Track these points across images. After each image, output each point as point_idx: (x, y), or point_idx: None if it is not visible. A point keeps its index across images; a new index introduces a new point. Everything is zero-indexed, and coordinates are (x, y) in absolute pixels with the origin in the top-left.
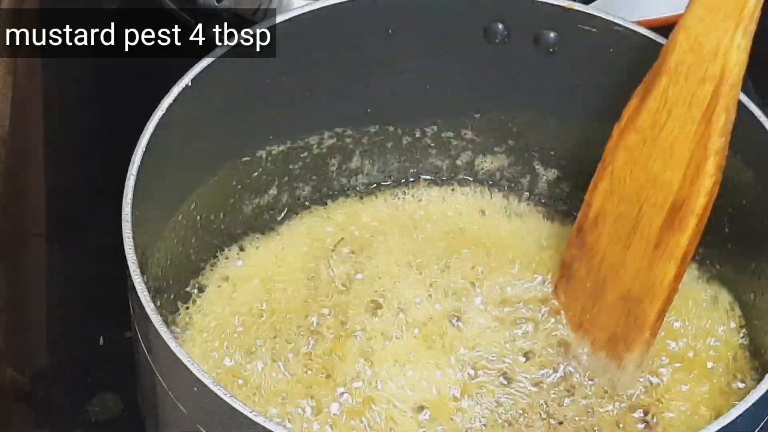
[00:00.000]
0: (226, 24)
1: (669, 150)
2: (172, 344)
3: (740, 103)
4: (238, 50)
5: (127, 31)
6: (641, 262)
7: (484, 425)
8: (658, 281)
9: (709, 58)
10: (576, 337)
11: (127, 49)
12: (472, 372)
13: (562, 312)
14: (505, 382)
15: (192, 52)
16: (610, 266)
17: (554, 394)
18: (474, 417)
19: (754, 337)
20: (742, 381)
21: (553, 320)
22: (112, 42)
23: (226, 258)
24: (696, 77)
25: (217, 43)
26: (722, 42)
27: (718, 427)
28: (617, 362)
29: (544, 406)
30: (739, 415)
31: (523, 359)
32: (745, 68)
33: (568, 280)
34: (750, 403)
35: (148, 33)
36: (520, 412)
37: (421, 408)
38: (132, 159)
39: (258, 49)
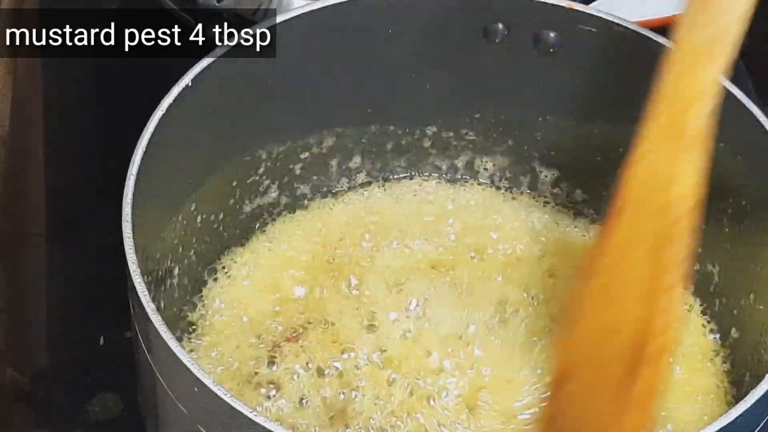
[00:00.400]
0: (226, 24)
1: (624, 292)
2: (173, 344)
3: (740, 103)
4: (238, 50)
5: (127, 31)
6: (610, 415)
7: None
8: (633, 426)
9: (660, 187)
10: None
11: (127, 49)
12: None
13: None
14: None
15: (192, 52)
16: (584, 422)
17: None
18: None
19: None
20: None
21: None
22: (112, 42)
23: (226, 258)
24: (651, 210)
25: (217, 43)
26: (670, 169)
27: (718, 427)
28: None
29: None
30: (739, 415)
31: None
32: (695, 199)
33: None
34: (750, 403)
35: (148, 33)
36: None
37: None
38: (132, 159)
39: (258, 49)
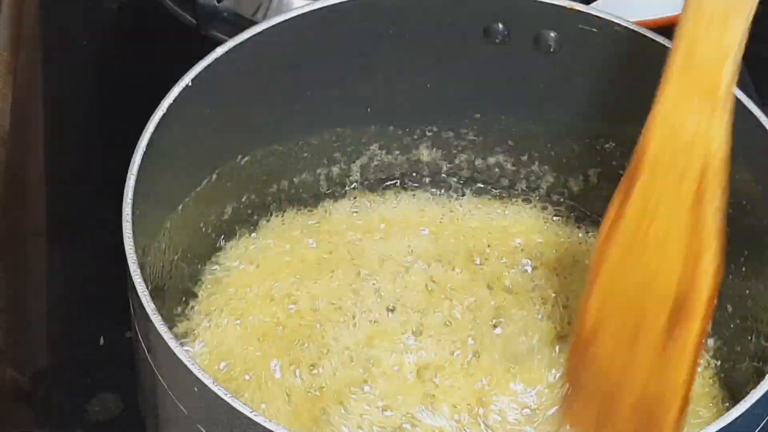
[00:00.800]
0: (226, 24)
1: (661, 248)
2: (173, 344)
3: (740, 103)
4: (238, 50)
5: (127, 31)
6: (651, 366)
7: None
8: (672, 382)
9: (688, 145)
10: None
11: (127, 49)
12: None
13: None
14: None
15: (192, 52)
16: (619, 375)
17: None
18: None
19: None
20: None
21: None
22: (112, 42)
23: (227, 257)
24: (677, 170)
25: (218, 43)
26: (700, 127)
27: (718, 427)
28: None
29: None
30: (739, 415)
31: None
32: (727, 150)
33: (576, 394)
34: (750, 403)
35: (148, 33)
36: None
37: None
38: (132, 159)
39: (258, 49)
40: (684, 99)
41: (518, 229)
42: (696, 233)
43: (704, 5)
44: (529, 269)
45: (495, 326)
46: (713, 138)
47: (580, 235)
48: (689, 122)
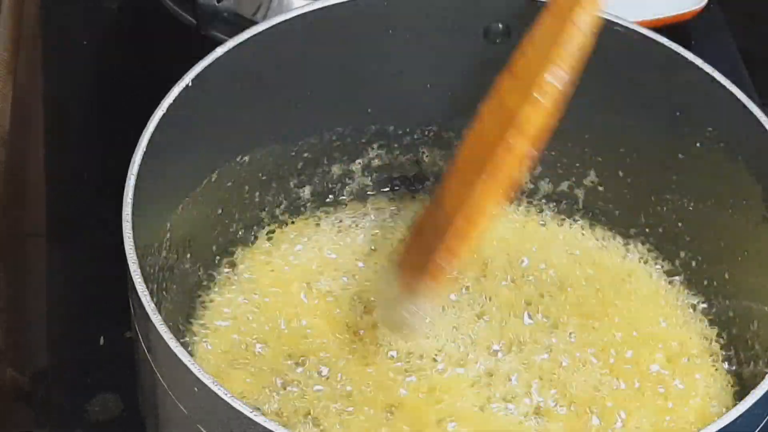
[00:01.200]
0: (226, 24)
1: (522, 79)
2: (173, 344)
3: (740, 103)
4: (238, 50)
5: (128, 31)
6: (469, 187)
7: None
8: (478, 203)
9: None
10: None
11: (127, 49)
12: None
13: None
14: None
15: (192, 52)
16: (446, 198)
17: None
18: None
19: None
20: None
21: None
22: (112, 42)
23: (227, 258)
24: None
25: (218, 43)
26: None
27: (718, 428)
28: (434, 276)
29: None
30: (739, 416)
31: None
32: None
33: (414, 241)
34: (750, 403)
35: (148, 33)
36: None
37: None
38: (132, 159)
39: (258, 49)
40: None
41: (518, 229)
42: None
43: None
44: (531, 270)
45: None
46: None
47: (580, 232)
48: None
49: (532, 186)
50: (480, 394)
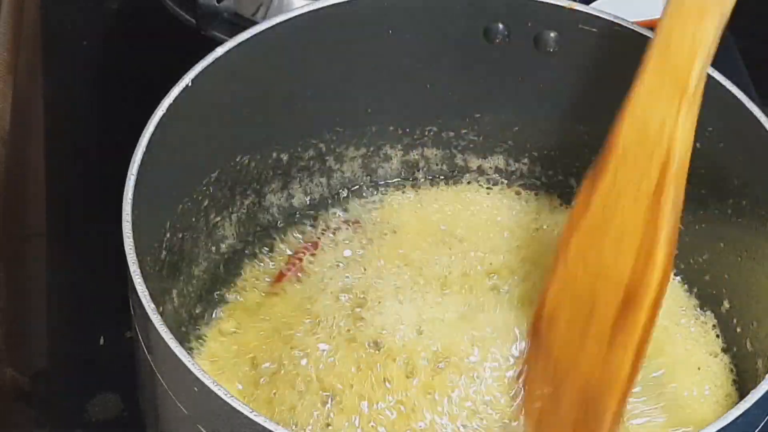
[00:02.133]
0: (226, 24)
1: (620, 236)
2: (173, 344)
3: (740, 104)
4: (238, 50)
5: (128, 31)
6: (597, 357)
7: None
8: (614, 375)
9: (654, 138)
10: None
11: (127, 49)
12: None
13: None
14: None
15: (192, 52)
16: (567, 363)
17: None
18: None
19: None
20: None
21: None
22: (112, 42)
23: (227, 257)
24: (643, 158)
25: (218, 42)
26: (667, 121)
27: (718, 427)
28: None
29: None
30: (740, 415)
31: None
32: (690, 148)
33: (529, 376)
34: (750, 403)
35: (148, 33)
36: None
37: None
38: (132, 159)
39: (258, 49)
40: (655, 93)
41: (518, 229)
42: (651, 227)
43: (683, 1)
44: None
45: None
46: (677, 135)
47: None
48: (657, 117)
49: (531, 183)
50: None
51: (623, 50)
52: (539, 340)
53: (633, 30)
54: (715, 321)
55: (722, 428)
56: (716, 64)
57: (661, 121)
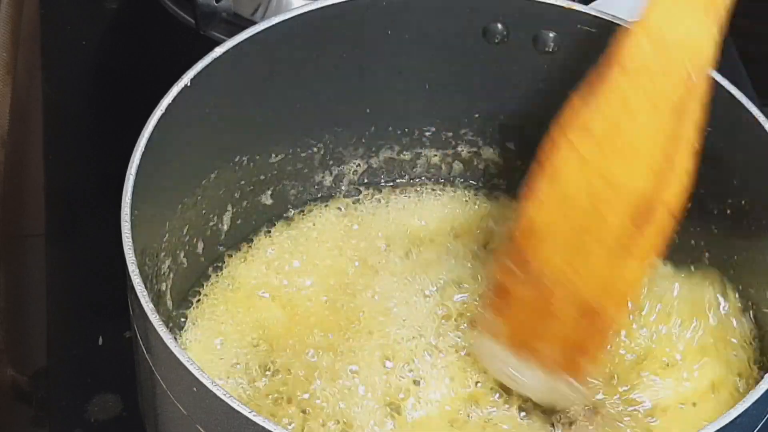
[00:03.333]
0: (225, 24)
1: (633, 150)
2: (171, 344)
3: (740, 104)
4: (238, 50)
5: (127, 31)
6: (601, 268)
7: None
8: (624, 284)
9: (675, 52)
10: (519, 358)
11: (126, 49)
12: None
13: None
14: None
15: (191, 52)
16: (559, 277)
17: None
18: None
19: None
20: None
21: None
22: (112, 42)
23: (226, 258)
24: (661, 72)
25: (217, 42)
26: (691, 32)
27: (718, 427)
28: (575, 373)
29: None
30: (739, 415)
31: None
32: (706, 66)
33: (502, 298)
34: (750, 403)
35: (148, 33)
36: None
37: None
38: (131, 159)
39: (256, 49)
40: (679, 5)
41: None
42: (674, 139)
43: None
44: None
45: None
46: (705, 41)
47: None
48: (680, 27)
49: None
50: None
51: None
52: (518, 256)
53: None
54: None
55: (722, 428)
56: (716, 64)
57: (684, 31)
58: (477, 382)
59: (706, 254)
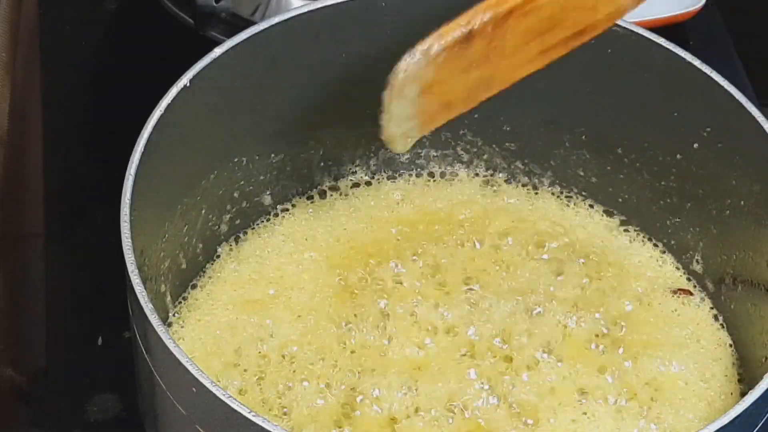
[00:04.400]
0: (224, 24)
1: None
2: (170, 344)
3: (740, 104)
4: (237, 51)
5: (126, 32)
6: (527, 56)
7: None
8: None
9: None
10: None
11: (125, 49)
12: None
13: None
14: None
15: (191, 52)
16: (499, 54)
17: None
18: None
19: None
20: None
21: None
22: (111, 42)
23: (226, 258)
24: None
25: (216, 43)
26: None
27: (718, 427)
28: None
29: None
30: (739, 415)
31: None
32: None
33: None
34: (749, 403)
35: (147, 33)
36: None
37: None
38: (131, 159)
39: (256, 49)
40: None
41: (518, 229)
42: None
43: None
44: (533, 267)
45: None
46: None
47: (583, 233)
48: None
49: (529, 181)
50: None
51: (621, 51)
52: (480, 32)
53: (633, 30)
54: (722, 317)
55: (722, 427)
56: (715, 64)
57: None
58: None
59: (705, 254)
